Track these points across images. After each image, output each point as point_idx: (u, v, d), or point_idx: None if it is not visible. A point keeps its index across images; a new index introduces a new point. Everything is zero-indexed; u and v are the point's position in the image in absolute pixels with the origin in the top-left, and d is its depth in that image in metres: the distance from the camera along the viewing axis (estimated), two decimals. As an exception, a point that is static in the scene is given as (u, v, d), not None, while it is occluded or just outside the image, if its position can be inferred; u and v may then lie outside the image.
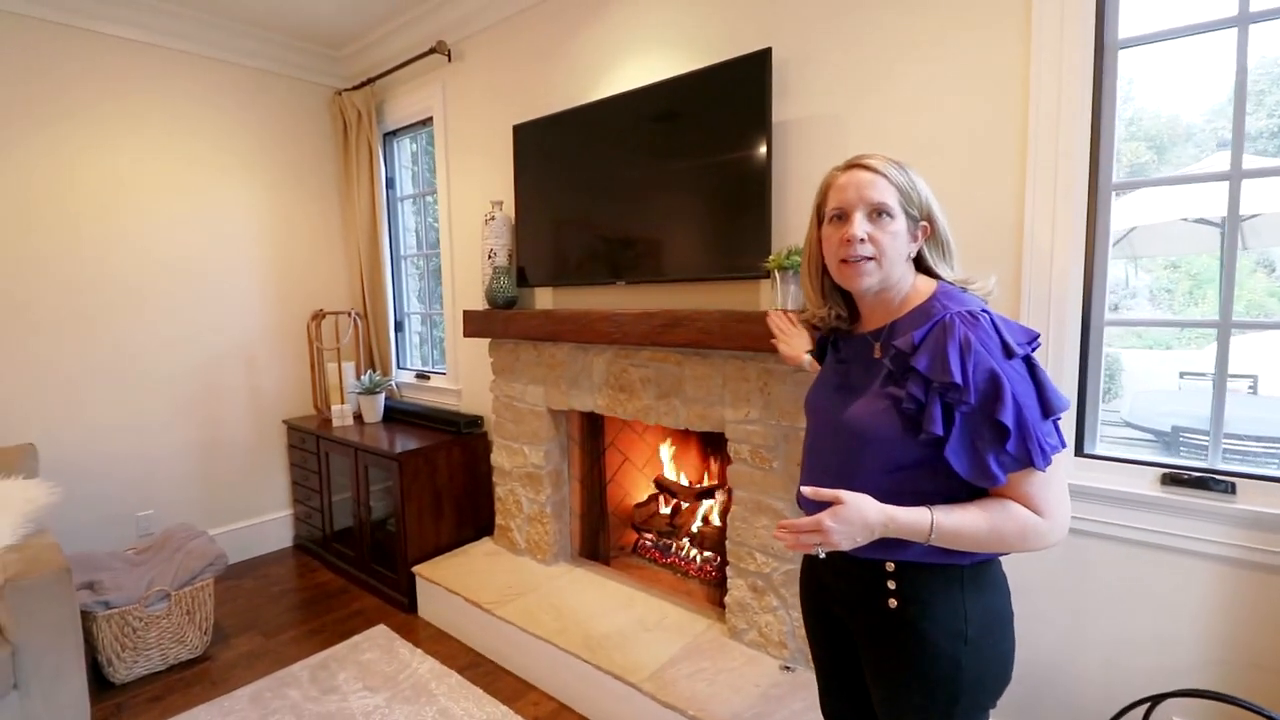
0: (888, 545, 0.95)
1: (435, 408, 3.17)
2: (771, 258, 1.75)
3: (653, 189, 2.11)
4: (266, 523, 3.33)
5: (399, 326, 3.53)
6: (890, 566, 0.98)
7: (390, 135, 3.42)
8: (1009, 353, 0.89)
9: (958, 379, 0.87)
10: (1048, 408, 0.88)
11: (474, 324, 2.62)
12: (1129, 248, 3.57)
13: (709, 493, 2.58)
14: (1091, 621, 1.55)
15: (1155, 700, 1.37)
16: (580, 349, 2.36)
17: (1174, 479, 1.43)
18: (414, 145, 3.44)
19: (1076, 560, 1.55)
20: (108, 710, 2.07)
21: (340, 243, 3.52)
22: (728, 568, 2.02)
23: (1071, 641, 1.58)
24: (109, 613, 2.11)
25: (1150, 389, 3.97)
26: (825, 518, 0.90)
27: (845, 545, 0.91)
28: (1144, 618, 1.49)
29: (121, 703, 2.11)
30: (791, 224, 1.89)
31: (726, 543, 2.03)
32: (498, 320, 2.51)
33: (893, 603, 0.98)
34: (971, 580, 0.96)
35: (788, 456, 1.84)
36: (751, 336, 1.75)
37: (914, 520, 0.90)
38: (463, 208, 2.98)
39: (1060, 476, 0.91)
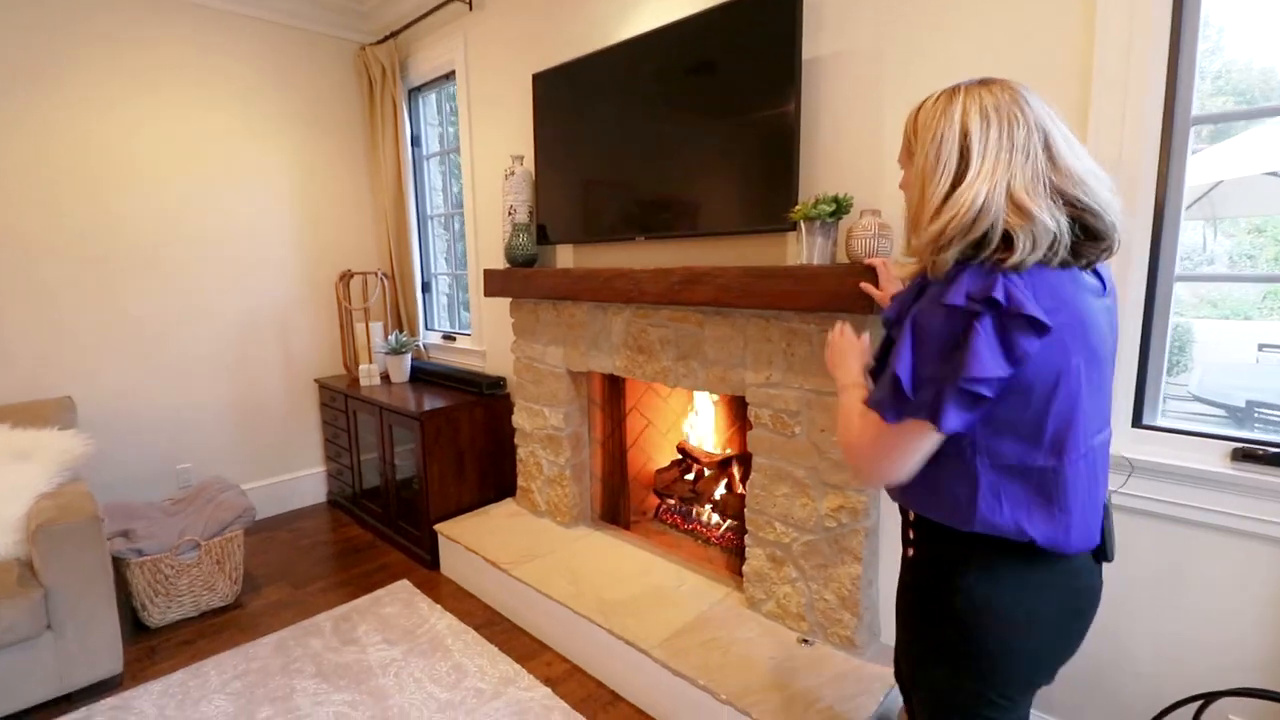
0: (904, 491, 0.96)
1: (460, 369, 3.16)
2: (797, 207, 1.62)
3: (673, 136, 1.98)
4: (301, 479, 3.42)
5: (426, 287, 3.51)
6: (911, 516, 1.01)
7: (415, 91, 3.35)
8: (952, 308, 0.81)
9: (890, 314, 0.95)
10: (951, 369, 0.80)
11: (494, 283, 2.57)
12: (1208, 207, 3.24)
13: (734, 460, 2.49)
14: (1141, 609, 1.42)
15: (1209, 698, 1.24)
16: (599, 308, 2.27)
17: (1247, 454, 1.27)
18: (439, 101, 3.37)
19: (1122, 543, 1.41)
20: (141, 652, 2.16)
21: (367, 202, 3.51)
22: (746, 536, 1.95)
23: (1118, 630, 1.45)
24: (142, 560, 2.19)
25: (1223, 362, 3.66)
26: (837, 334, 1.15)
27: (828, 352, 1.15)
28: (1198, 607, 1.35)
29: (155, 646, 2.20)
30: (822, 172, 1.75)
31: (745, 510, 1.94)
32: (517, 279, 2.45)
33: (910, 551, 1.02)
34: (981, 562, 0.90)
35: (810, 422, 1.73)
36: (775, 294, 1.63)
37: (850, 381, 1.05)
38: (485, 164, 2.91)
39: (905, 442, 0.87)
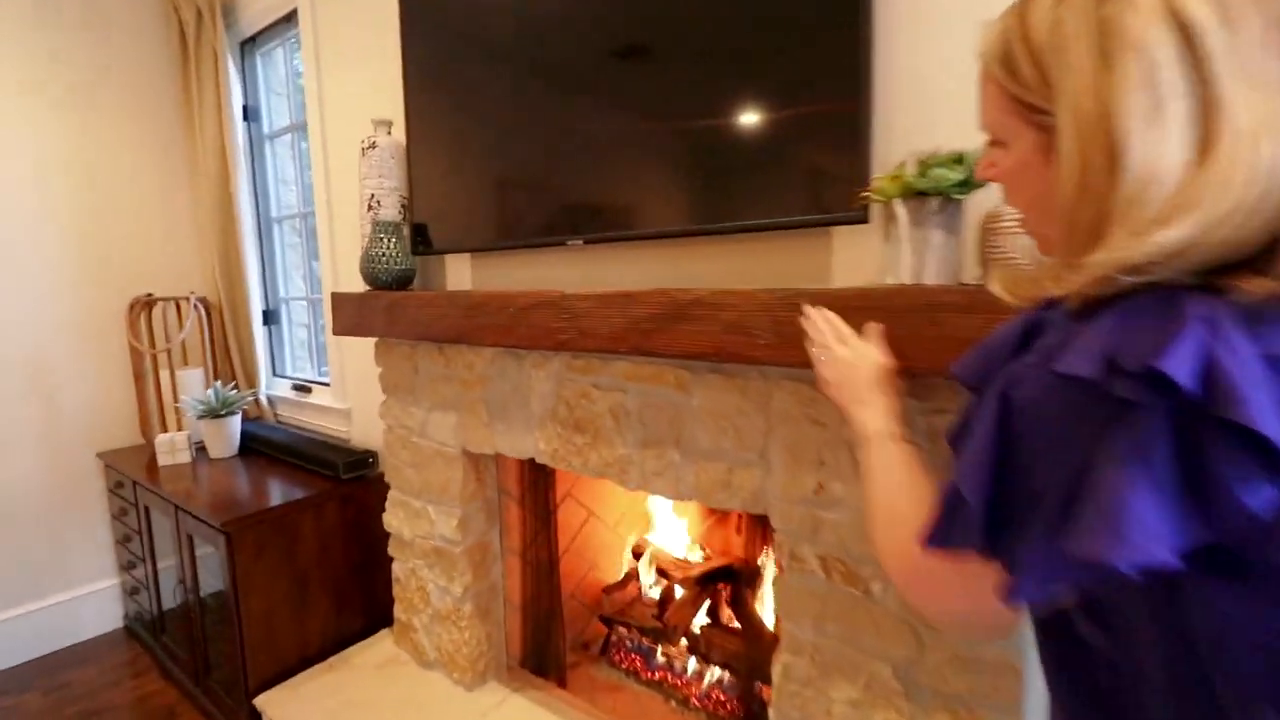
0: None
1: (315, 435, 2.20)
2: (883, 177, 0.84)
3: (631, 73, 1.17)
4: (81, 599, 2.33)
5: (270, 318, 2.52)
6: None
7: (249, 45, 2.39)
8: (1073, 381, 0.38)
9: (971, 369, 0.52)
10: (1059, 510, 0.38)
11: (345, 314, 1.66)
12: None
13: (724, 573, 1.68)
14: None
15: None
16: (511, 356, 1.41)
17: None
18: (286, 59, 2.42)
19: None
20: None
21: (182, 199, 2.49)
22: (772, 753, 1.12)
23: None
24: None
25: None
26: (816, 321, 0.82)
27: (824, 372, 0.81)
28: None
29: None
30: (903, 120, 0.97)
31: (771, 712, 1.12)
32: (378, 309, 1.55)
33: None
34: None
35: (902, 574, 0.94)
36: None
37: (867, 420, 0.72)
38: (345, 139, 2.00)
39: (971, 585, 0.46)
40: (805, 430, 1.01)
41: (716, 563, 1.71)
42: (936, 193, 0.80)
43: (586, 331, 1.13)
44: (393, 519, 1.79)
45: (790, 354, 0.90)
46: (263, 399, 2.44)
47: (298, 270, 2.53)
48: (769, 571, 1.63)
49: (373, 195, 1.64)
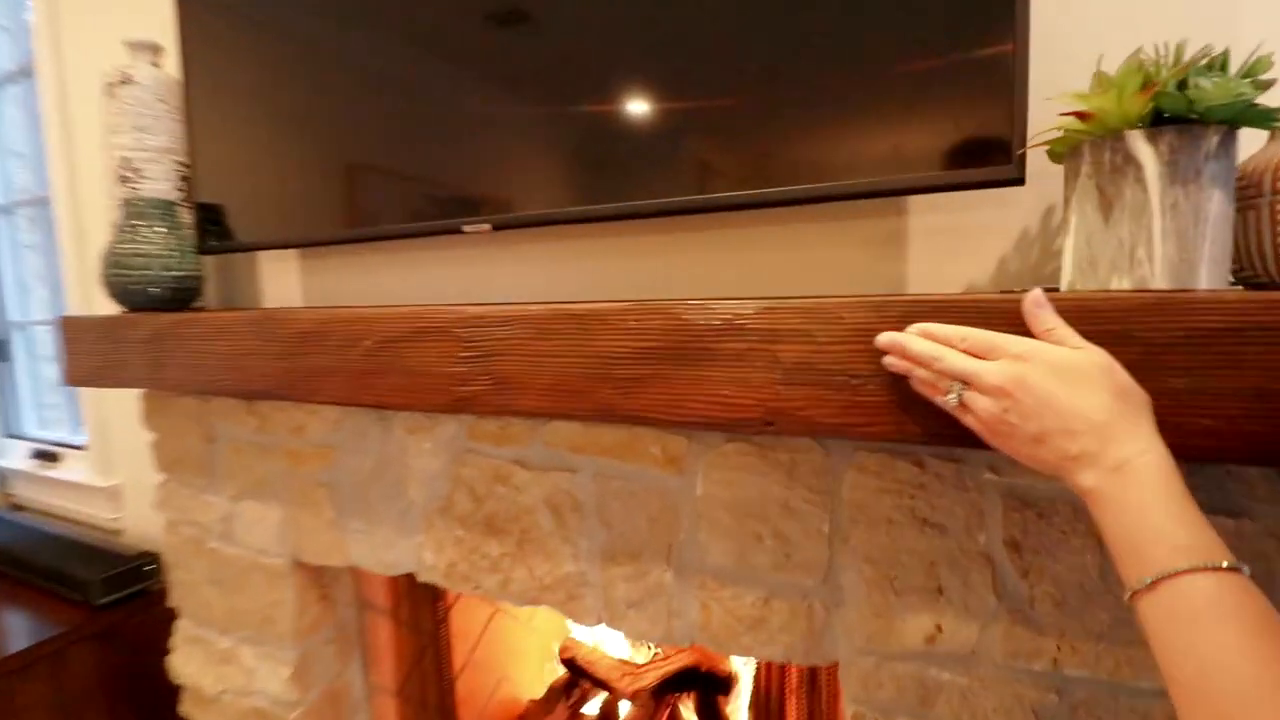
0: None
1: (61, 533, 1.48)
2: (1080, 94, 0.45)
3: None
4: None
5: (-8, 352, 1.73)
6: None
7: (-62, -56, 1.61)
8: None
9: None
10: None
11: (81, 352, 1.02)
12: None
13: (686, 677, 1.24)
14: None
15: None
16: (372, 415, 0.88)
17: None
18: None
19: None
20: None
21: None
22: None
23: None
24: None
25: None
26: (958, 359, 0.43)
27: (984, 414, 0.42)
28: None
29: None
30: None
31: None
32: (134, 343, 0.95)
33: None
34: None
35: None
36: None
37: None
38: (92, 86, 1.32)
39: None
40: (905, 536, 0.60)
41: (674, 664, 1.28)
42: (1217, 120, 0.42)
43: (508, 381, 0.65)
44: (186, 664, 1.15)
45: (919, 419, 0.49)
46: (-20, 473, 1.65)
47: (40, 280, 1.76)
48: (746, 672, 1.23)
49: (126, 159, 1.03)
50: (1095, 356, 0.40)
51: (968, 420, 0.44)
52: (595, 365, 0.60)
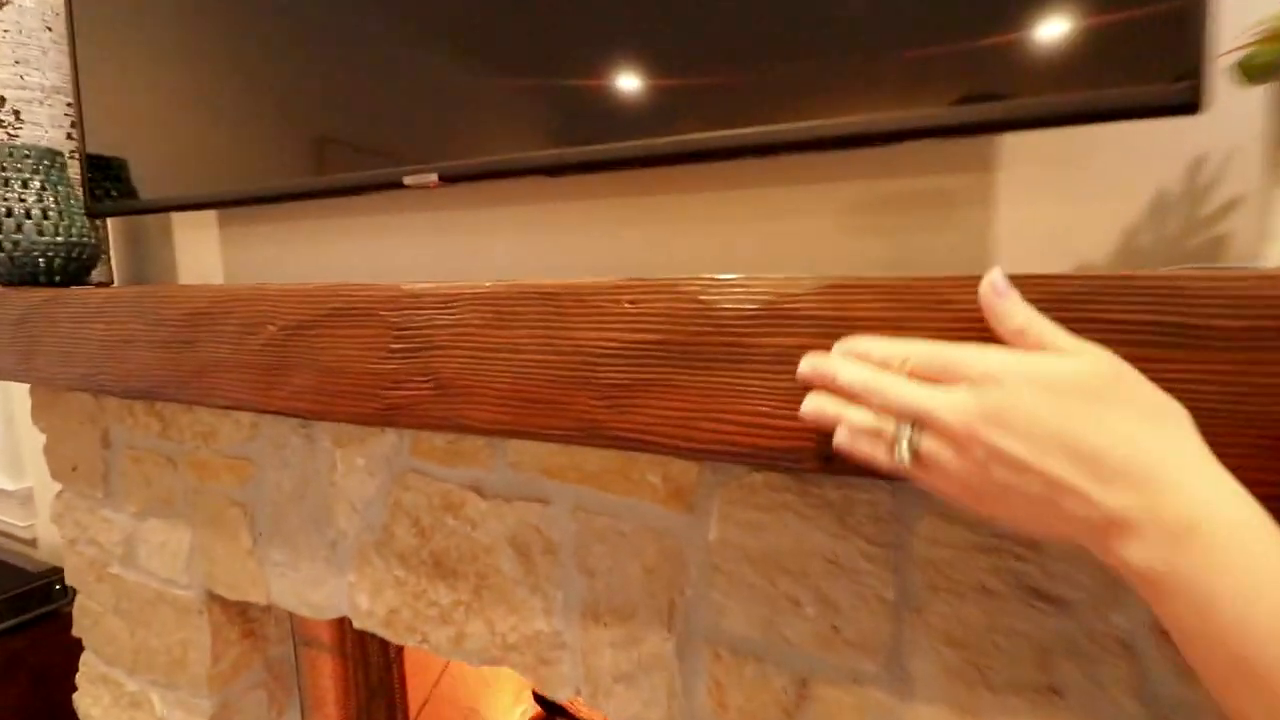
0: None
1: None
2: None
3: None
4: None
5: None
6: None
7: None
8: None
9: None
10: None
11: (-59, 336, 0.83)
12: None
13: None
14: None
15: None
16: (300, 428, 0.70)
17: None
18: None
19: None
20: None
21: None
22: None
23: None
24: None
25: None
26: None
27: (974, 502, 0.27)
28: None
29: None
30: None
31: None
32: (3, 324, 0.76)
33: None
34: None
35: None
36: None
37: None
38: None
39: None
40: (1007, 612, 0.42)
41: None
42: None
43: (453, 384, 0.47)
44: (93, 707, 0.97)
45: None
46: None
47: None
48: None
49: (1, 99, 0.83)
50: (1097, 361, 0.26)
51: (933, 483, 0.28)
52: (573, 365, 0.43)
